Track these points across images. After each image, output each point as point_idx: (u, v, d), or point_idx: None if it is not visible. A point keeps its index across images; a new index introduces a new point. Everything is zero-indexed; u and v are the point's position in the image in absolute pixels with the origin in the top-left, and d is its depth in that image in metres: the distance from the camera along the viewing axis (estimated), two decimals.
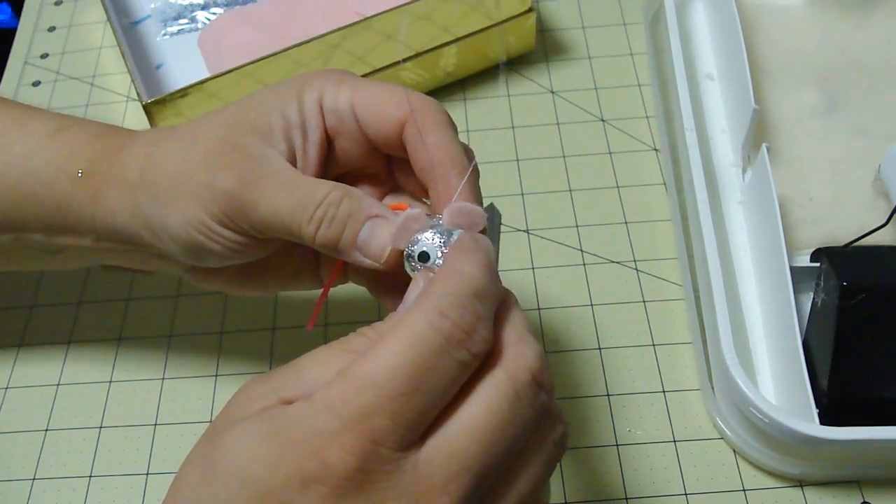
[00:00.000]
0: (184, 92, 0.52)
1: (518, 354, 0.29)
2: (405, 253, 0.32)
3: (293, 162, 0.35)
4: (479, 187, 0.34)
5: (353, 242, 0.33)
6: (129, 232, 0.37)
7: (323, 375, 0.28)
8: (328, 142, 0.36)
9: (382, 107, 0.35)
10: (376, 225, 0.33)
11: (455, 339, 0.27)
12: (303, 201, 0.33)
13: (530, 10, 0.58)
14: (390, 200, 0.38)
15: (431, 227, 0.32)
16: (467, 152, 0.34)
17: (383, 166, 0.38)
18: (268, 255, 0.38)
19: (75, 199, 0.37)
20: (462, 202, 0.32)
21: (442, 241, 0.31)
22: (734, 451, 0.45)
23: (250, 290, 0.40)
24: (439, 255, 0.31)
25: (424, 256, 0.31)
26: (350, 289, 0.40)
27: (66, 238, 0.39)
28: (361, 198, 0.33)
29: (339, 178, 0.37)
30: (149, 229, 0.36)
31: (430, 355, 0.27)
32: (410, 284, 0.32)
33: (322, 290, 0.38)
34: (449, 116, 0.35)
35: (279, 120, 0.35)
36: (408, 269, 0.32)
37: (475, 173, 0.34)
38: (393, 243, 0.32)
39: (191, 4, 0.64)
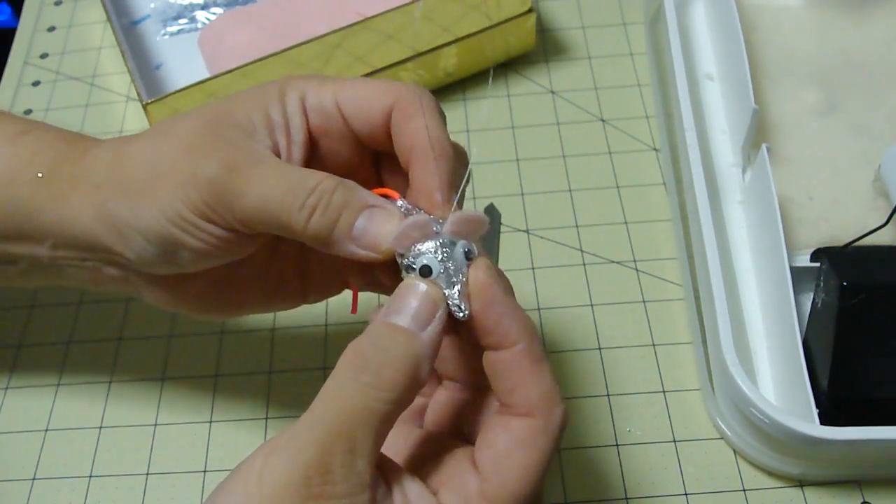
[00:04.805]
0: (184, 92, 0.51)
1: (556, 413, 0.30)
2: (404, 263, 0.31)
3: None
4: (463, 181, 0.33)
5: (349, 232, 0.31)
6: (90, 236, 0.34)
7: None
8: (313, 142, 0.35)
9: (368, 97, 0.34)
10: (374, 214, 0.31)
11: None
12: (294, 188, 0.31)
13: (530, 10, 0.58)
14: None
15: (433, 237, 0.31)
16: (460, 151, 0.34)
17: (370, 167, 0.37)
18: (246, 263, 0.36)
19: (34, 202, 0.35)
20: (466, 210, 0.31)
21: (445, 253, 0.30)
22: (734, 451, 0.45)
23: (221, 310, 0.38)
24: (441, 270, 0.30)
25: (426, 270, 0.30)
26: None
27: (21, 246, 0.36)
28: (356, 187, 0.32)
29: None
30: (115, 230, 0.34)
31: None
32: (402, 289, 0.30)
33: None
34: (438, 105, 0.34)
35: (262, 117, 0.33)
36: (402, 272, 0.31)
37: (461, 167, 0.33)
38: (392, 246, 0.31)
39: (191, 4, 0.64)
